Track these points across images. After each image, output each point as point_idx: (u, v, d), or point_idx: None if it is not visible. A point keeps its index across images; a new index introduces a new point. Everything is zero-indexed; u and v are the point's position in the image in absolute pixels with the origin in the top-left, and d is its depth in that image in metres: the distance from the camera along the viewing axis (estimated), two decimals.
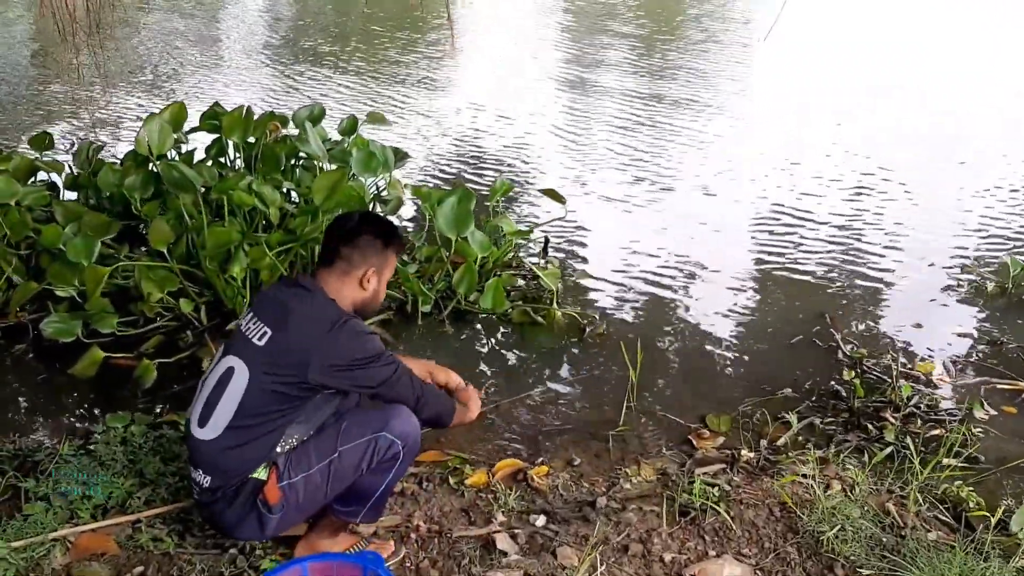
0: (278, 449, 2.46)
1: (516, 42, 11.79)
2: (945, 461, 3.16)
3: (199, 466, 2.50)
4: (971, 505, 2.99)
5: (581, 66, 10.30)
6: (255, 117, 4.71)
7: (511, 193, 5.31)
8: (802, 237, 5.56)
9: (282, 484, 2.44)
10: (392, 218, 5.28)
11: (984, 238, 5.63)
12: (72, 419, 3.55)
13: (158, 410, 3.50)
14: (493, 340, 4.30)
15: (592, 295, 4.75)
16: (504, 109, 8.37)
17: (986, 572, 2.60)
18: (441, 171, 6.65)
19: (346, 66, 9.90)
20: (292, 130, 4.92)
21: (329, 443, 2.48)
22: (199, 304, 4.21)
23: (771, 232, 5.64)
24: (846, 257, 5.28)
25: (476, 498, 3.06)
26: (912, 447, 3.18)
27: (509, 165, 6.83)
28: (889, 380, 3.78)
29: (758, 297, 4.82)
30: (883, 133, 7.87)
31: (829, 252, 5.35)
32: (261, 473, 2.44)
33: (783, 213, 5.94)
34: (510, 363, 4.10)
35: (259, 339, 2.47)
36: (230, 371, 2.48)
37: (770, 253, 5.33)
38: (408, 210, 5.55)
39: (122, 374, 3.78)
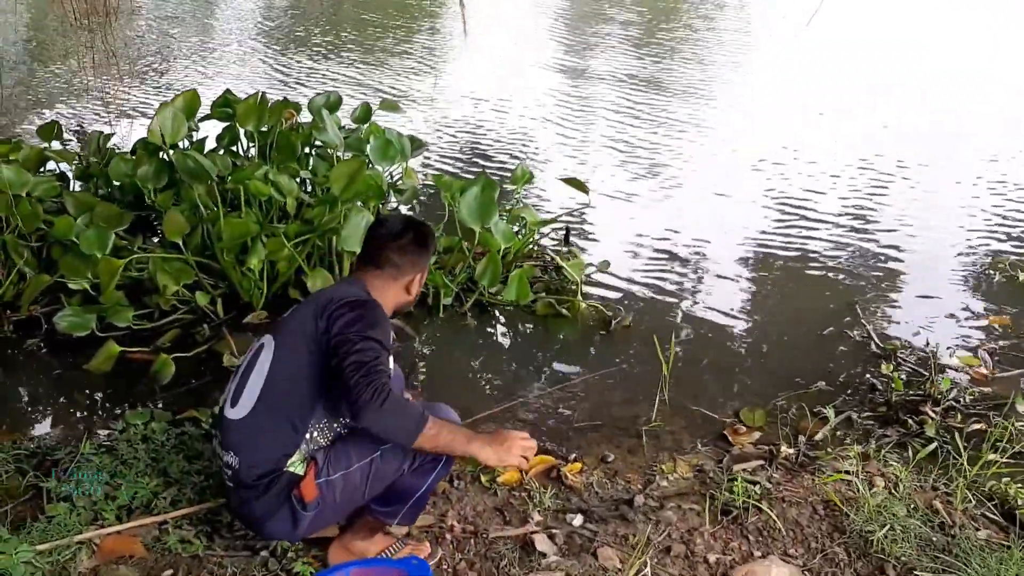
0: (307, 436, 2.37)
1: (516, 36, 11.69)
2: (989, 457, 3.08)
3: (229, 447, 2.41)
4: (1020, 503, 2.91)
5: (581, 59, 10.22)
6: (269, 104, 4.60)
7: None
8: (823, 231, 5.47)
9: (319, 481, 2.34)
10: (406, 208, 5.21)
11: (1009, 230, 5.55)
12: (90, 416, 3.46)
13: (176, 405, 3.41)
14: (517, 333, 4.21)
15: (612, 288, 4.65)
16: (506, 100, 8.27)
17: None
18: (447, 161, 6.55)
19: (345, 56, 9.79)
20: (306, 117, 4.82)
21: (370, 441, 2.39)
22: (215, 297, 4.12)
23: (790, 226, 5.56)
24: (871, 250, 5.20)
25: (509, 496, 2.97)
26: (956, 443, 3.10)
27: (515, 156, 6.72)
28: (926, 373, 3.69)
29: (784, 290, 4.74)
30: (886, 130, 7.81)
31: (853, 245, 5.26)
32: (298, 468, 2.35)
33: (800, 208, 5.86)
34: (536, 357, 4.01)
35: (289, 314, 2.54)
36: (261, 348, 2.47)
37: (792, 247, 5.25)
38: (423, 199, 5.45)
39: (139, 369, 3.68)
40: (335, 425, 2.44)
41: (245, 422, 2.39)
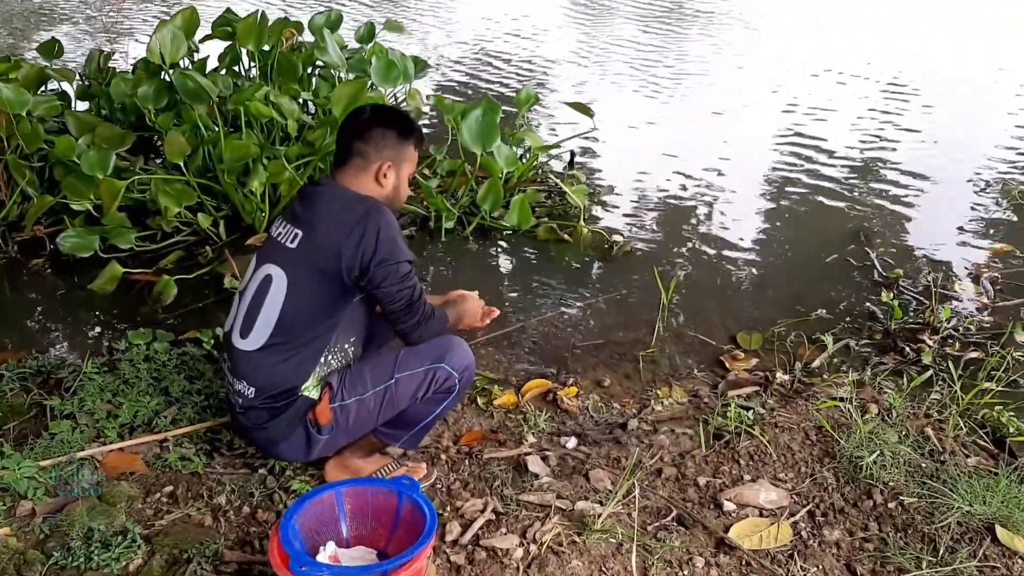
0: (321, 361, 2.39)
1: None
2: (984, 385, 3.08)
3: (243, 378, 2.41)
4: (1011, 431, 2.92)
5: None
6: (269, 23, 4.52)
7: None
8: (831, 158, 5.42)
9: (334, 406, 2.37)
10: None
11: (1019, 158, 5.46)
12: (93, 335, 3.50)
13: (178, 326, 3.44)
14: (518, 258, 4.21)
15: (616, 214, 4.63)
16: (516, 23, 8.09)
17: None
18: (454, 83, 6.45)
19: None
20: (308, 37, 4.75)
21: (386, 369, 2.40)
22: (217, 219, 4.12)
23: (798, 153, 5.50)
24: (879, 177, 5.15)
25: (505, 419, 3.00)
26: (952, 371, 3.11)
27: (523, 79, 6.62)
28: (927, 302, 3.68)
29: (789, 217, 4.70)
30: (914, 59, 7.62)
31: (863, 176, 5.20)
32: (312, 392, 2.38)
33: (809, 136, 5.79)
34: (536, 281, 4.01)
35: (291, 242, 2.39)
36: (268, 279, 2.39)
37: (799, 174, 5.20)
38: (426, 122, 5.39)
39: (141, 290, 3.72)
40: (347, 347, 2.46)
41: (259, 355, 2.38)
